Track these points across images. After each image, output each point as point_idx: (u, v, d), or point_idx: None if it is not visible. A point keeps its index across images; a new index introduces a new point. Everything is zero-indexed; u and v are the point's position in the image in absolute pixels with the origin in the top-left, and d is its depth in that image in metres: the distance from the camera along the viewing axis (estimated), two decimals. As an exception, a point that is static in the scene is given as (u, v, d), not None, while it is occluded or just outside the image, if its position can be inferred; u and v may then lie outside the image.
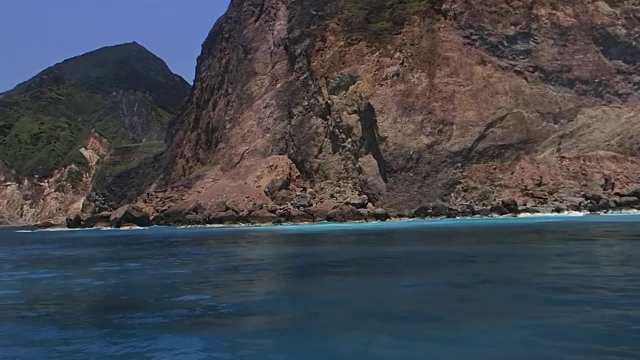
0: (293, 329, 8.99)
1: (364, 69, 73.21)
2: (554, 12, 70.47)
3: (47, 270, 19.23)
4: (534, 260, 18.08)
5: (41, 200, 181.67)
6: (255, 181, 78.21)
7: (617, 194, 61.25)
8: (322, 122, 76.16)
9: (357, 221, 61.21)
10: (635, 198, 59.14)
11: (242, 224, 65.47)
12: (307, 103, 78.21)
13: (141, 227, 70.29)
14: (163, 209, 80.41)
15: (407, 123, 68.33)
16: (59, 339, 8.52)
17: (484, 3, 72.33)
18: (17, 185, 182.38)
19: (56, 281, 15.78)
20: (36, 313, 10.80)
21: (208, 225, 66.94)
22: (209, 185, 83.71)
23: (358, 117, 72.29)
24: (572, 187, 63.65)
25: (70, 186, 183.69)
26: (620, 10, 69.61)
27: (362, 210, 65.07)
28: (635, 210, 57.14)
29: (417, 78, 70.45)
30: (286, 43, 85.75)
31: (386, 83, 71.05)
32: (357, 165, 71.92)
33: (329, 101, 74.83)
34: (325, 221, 63.18)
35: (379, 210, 64.48)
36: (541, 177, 65.65)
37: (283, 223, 64.19)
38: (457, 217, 60.90)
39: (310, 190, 74.16)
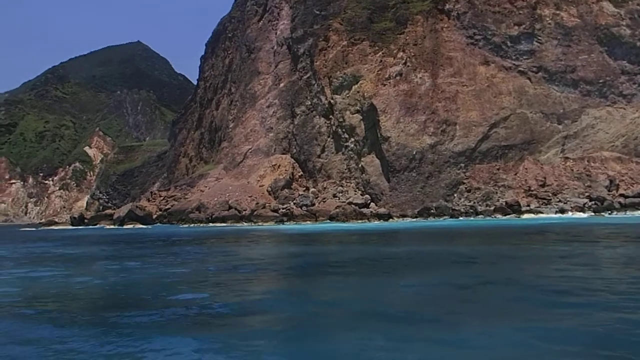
0: (289, 329, 8.92)
1: (367, 68, 73.07)
2: (557, 12, 70.20)
3: (48, 268, 19.22)
4: (537, 261, 17.97)
5: (46, 199, 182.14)
6: (258, 180, 78.15)
7: (621, 195, 60.93)
8: (325, 122, 76.06)
9: (359, 221, 61.07)
10: (640, 199, 58.86)
11: (245, 223, 65.42)
12: (310, 103, 78.11)
13: (144, 226, 70.34)
14: (166, 207, 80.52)
15: (410, 123, 68.16)
16: (54, 338, 8.48)
17: (488, 3, 72.10)
18: (22, 183, 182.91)
19: (56, 279, 15.76)
20: (33, 311, 10.76)
21: (211, 224, 66.94)
22: (212, 184, 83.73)
23: (361, 117, 72.15)
24: (576, 188, 63.40)
25: (75, 184, 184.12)
26: (624, 11, 69.32)
27: (364, 210, 64.91)
28: (640, 212, 56.87)
29: (420, 78, 70.28)
30: (289, 42, 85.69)
31: (389, 83, 70.87)
32: (359, 165, 71.79)
33: (331, 101, 74.72)
34: (328, 221, 63.06)
35: (382, 210, 64.31)
36: (545, 178, 65.39)
37: (285, 222, 64.10)
38: (460, 218, 60.68)
39: (312, 189, 74.07)
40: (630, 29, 68.48)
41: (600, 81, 68.17)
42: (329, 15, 79.33)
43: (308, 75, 79.01)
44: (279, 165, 78.71)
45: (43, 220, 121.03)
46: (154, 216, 76.77)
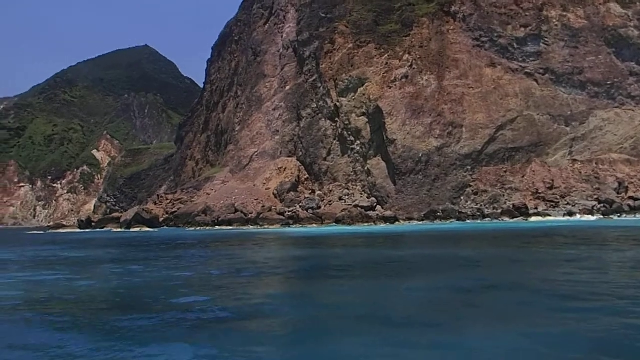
0: (291, 333, 8.82)
1: (372, 71, 73.00)
2: (564, 13, 69.91)
3: (52, 271, 19.21)
4: (543, 265, 17.77)
5: (54, 202, 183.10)
6: (264, 183, 78.17)
7: (631, 197, 60.42)
8: (331, 125, 76.03)
9: (365, 224, 60.87)
10: (650, 202, 58.37)
11: (251, 226, 65.42)
12: (315, 105, 78.11)
13: (151, 229, 70.42)
14: (173, 210, 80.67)
15: (416, 125, 68.00)
16: (53, 342, 8.42)
17: (494, 5, 71.90)
18: (31, 186, 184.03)
19: (59, 282, 15.72)
20: (34, 314, 10.71)
21: (217, 227, 66.96)
22: (218, 187, 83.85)
23: (367, 120, 72.06)
24: (584, 191, 62.99)
25: (82, 188, 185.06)
26: (632, 12, 68.94)
27: (371, 213, 64.71)
28: (649, 215, 56.37)
29: (426, 80, 70.13)
30: (295, 45, 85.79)
31: (395, 85, 70.78)
32: (366, 168, 71.67)
33: (337, 103, 74.68)
34: (334, 224, 62.89)
35: (388, 213, 64.11)
36: (553, 180, 65.01)
37: (291, 225, 63.99)
38: (467, 221, 60.37)
39: (318, 192, 73.99)
40: (638, 30, 68.15)
41: (608, 83, 67.78)
42: (335, 18, 79.37)
43: (314, 78, 79.04)
44: (285, 168, 78.73)
45: (51, 223, 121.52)
46: (161, 219, 76.91)
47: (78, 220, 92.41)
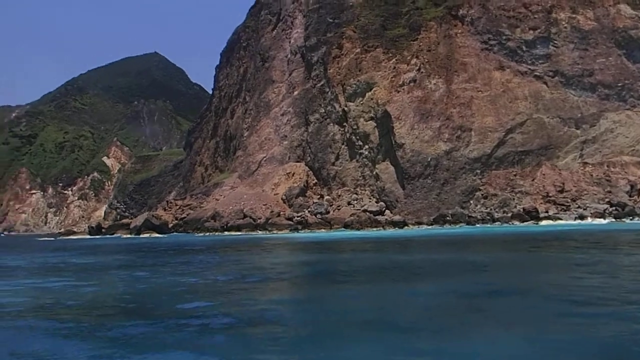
0: (294, 340, 8.69)
1: (380, 75, 72.89)
2: (574, 15, 69.49)
3: (59, 278, 19.22)
4: (552, 269, 17.55)
5: (65, 208, 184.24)
6: (273, 189, 78.17)
7: (642, 200, 59.84)
8: (339, 129, 75.94)
9: (374, 229, 60.68)
10: (662, 205, 57.75)
11: (260, 232, 65.38)
12: (324, 110, 78.08)
13: (160, 235, 70.57)
14: (182, 216, 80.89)
15: (425, 129, 67.76)
16: (55, 349, 8.37)
17: (502, 8, 71.61)
18: (42, 193, 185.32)
19: (65, 289, 15.70)
20: (37, 322, 10.66)
21: (226, 233, 66.98)
22: (227, 192, 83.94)
23: (375, 124, 71.92)
24: (595, 194, 62.41)
25: (93, 194, 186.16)
26: (642, 13, 68.41)
27: (379, 217, 64.54)
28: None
29: (435, 84, 69.91)
30: (303, 51, 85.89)
31: (403, 89, 70.62)
32: (374, 173, 71.48)
33: (345, 108, 74.61)
34: (343, 229, 62.76)
35: (397, 217, 63.90)
36: (563, 183, 64.49)
37: (300, 231, 63.94)
38: (477, 225, 60.01)
39: (327, 197, 73.87)
40: (648, 31, 67.55)
41: (619, 84, 67.23)
42: (342, 23, 79.41)
43: (322, 83, 79.05)
44: (294, 173, 78.70)
45: (62, 230, 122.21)
46: (170, 225, 77.09)
47: (88, 226, 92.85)
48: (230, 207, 74.84)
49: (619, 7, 69.15)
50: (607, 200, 60.62)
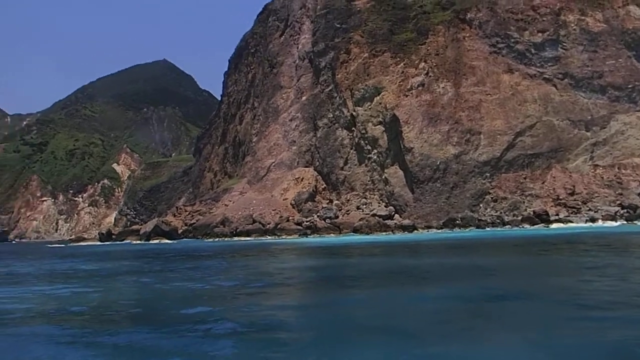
0: (296, 346, 8.60)
1: (388, 80, 72.80)
2: (582, 17, 69.09)
3: (66, 284, 19.24)
4: (562, 273, 17.34)
5: (75, 215, 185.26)
6: (282, 194, 78.20)
7: (655, 202, 59.18)
8: (348, 134, 75.91)
9: (383, 233, 60.47)
10: (674, 207, 57.12)
11: (269, 237, 65.37)
12: (332, 115, 78.09)
13: (170, 241, 70.62)
14: (191, 222, 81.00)
15: (434, 133, 67.53)
16: (53, 356, 8.37)
17: (510, 11, 71.35)
18: (53, 200, 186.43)
19: (70, 296, 15.72)
20: (39, 328, 10.66)
21: (235, 238, 66.99)
22: (236, 198, 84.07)
23: (383, 128, 71.80)
24: (607, 196, 61.85)
25: (103, 201, 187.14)
26: (652, 14, 67.91)
27: (389, 222, 64.30)
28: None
29: (443, 88, 69.71)
30: (311, 56, 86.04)
31: (411, 93, 70.47)
32: (383, 177, 71.31)
33: (354, 113, 74.58)
34: (352, 233, 62.59)
35: (406, 221, 63.64)
36: (574, 186, 63.98)
37: (309, 235, 63.83)
38: (487, 228, 59.62)
39: (336, 202, 73.76)
40: (658, 32, 67.03)
41: (629, 86, 66.70)
42: (350, 28, 79.50)
43: (330, 88, 79.10)
44: (302, 178, 78.71)
45: (73, 236, 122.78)
46: (180, 231, 77.20)
47: (98, 233, 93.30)
48: (240, 213, 74.92)
49: (628, 8, 68.71)
50: (618, 202, 60.06)
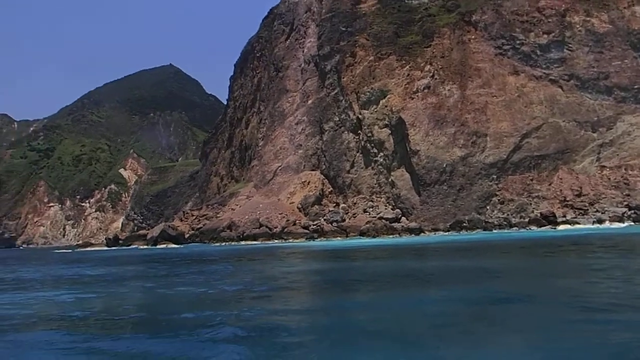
0: (298, 350, 8.57)
1: (394, 82, 72.78)
2: (588, 19, 68.85)
3: (70, 290, 19.33)
4: (568, 275, 17.25)
5: (82, 220, 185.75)
6: (288, 197, 78.21)
7: (662, 203, 58.77)
8: (354, 137, 75.89)
9: (390, 236, 60.39)
10: (682, 207, 56.73)
11: (276, 241, 65.39)
12: (338, 118, 78.10)
13: (177, 245, 70.78)
14: (198, 226, 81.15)
15: (440, 136, 67.41)
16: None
17: (516, 13, 71.20)
18: (60, 206, 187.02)
19: (73, 301, 15.77)
20: (39, 334, 10.64)
21: (242, 243, 67.05)
22: (243, 202, 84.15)
23: (389, 131, 71.74)
24: (614, 197, 61.50)
25: (110, 206, 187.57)
26: (658, 15, 67.58)
27: (395, 224, 64.25)
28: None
29: (449, 90, 69.59)
30: (316, 60, 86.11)
31: (417, 96, 70.40)
32: (389, 180, 71.21)
33: (360, 116, 74.56)
34: (359, 236, 62.54)
35: (413, 224, 63.54)
36: (581, 187, 63.65)
37: (316, 239, 63.83)
38: (494, 230, 59.41)
39: (343, 205, 73.71)
40: (664, 32, 66.68)
41: (636, 87, 66.36)
42: (355, 32, 79.56)
43: (336, 91, 79.13)
44: (309, 182, 78.69)
45: (80, 242, 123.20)
46: (187, 235, 77.38)
47: (105, 238, 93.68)
48: (246, 217, 74.98)
49: (634, 9, 68.41)
50: (625, 203, 59.71)
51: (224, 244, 67.98)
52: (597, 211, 59.79)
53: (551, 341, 8.18)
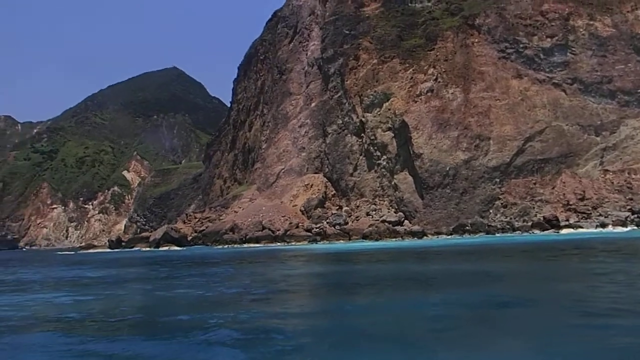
0: (295, 353, 8.50)
1: (397, 85, 72.73)
2: (591, 22, 68.73)
3: (69, 292, 19.31)
4: (570, 279, 17.16)
5: (85, 222, 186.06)
6: (291, 200, 78.16)
7: (665, 207, 58.53)
8: (357, 140, 75.82)
9: (393, 239, 60.28)
10: (685, 212, 56.48)
11: (279, 243, 65.29)
12: (341, 121, 78.07)
13: (179, 248, 70.76)
14: (201, 229, 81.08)
15: (443, 139, 67.31)
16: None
17: (519, 16, 71.12)
18: (63, 208, 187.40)
19: (71, 303, 15.76)
20: (32, 337, 10.62)
21: (245, 245, 66.96)
22: (246, 205, 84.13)
23: (393, 134, 71.66)
24: (617, 202, 61.27)
25: (113, 208, 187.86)
26: (662, 19, 67.44)
27: (398, 228, 64.11)
28: (685, 225, 54.50)
29: (452, 93, 69.52)
30: (320, 63, 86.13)
31: (420, 99, 70.33)
32: (392, 183, 71.10)
33: (363, 119, 74.52)
34: (361, 239, 62.43)
35: (416, 227, 63.43)
36: (584, 191, 63.45)
37: (319, 242, 63.74)
38: (497, 234, 59.24)
39: (346, 208, 73.62)
40: (668, 36, 66.51)
41: (639, 91, 66.16)
42: (359, 35, 79.56)
43: (339, 94, 79.12)
44: (312, 185, 78.64)
45: (83, 244, 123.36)
46: (189, 238, 77.32)
47: (108, 240, 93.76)
48: (249, 219, 74.96)
49: (637, 13, 68.26)
50: (628, 207, 59.46)
51: (226, 246, 67.92)
52: (600, 215, 59.57)
53: (552, 346, 8.11)
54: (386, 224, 64.99)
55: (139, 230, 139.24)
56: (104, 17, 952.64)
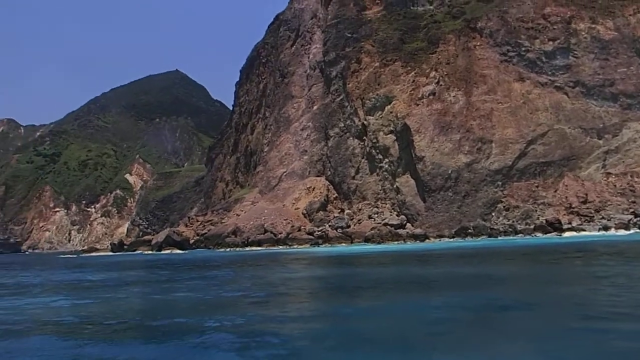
0: (294, 357, 8.44)
1: (399, 89, 72.76)
2: (593, 26, 68.68)
3: (68, 295, 19.30)
4: (572, 282, 17.06)
5: (88, 226, 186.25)
6: (293, 203, 78.12)
7: (668, 210, 58.37)
8: (359, 143, 75.83)
9: (395, 242, 60.21)
10: (688, 215, 56.30)
11: (281, 247, 65.26)
12: (343, 124, 78.10)
13: (181, 251, 70.76)
14: (203, 232, 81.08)
15: (445, 142, 67.26)
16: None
17: (521, 20, 71.11)
18: (66, 211, 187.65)
19: (69, 307, 15.71)
20: (29, 341, 10.57)
21: (247, 248, 66.93)
22: (248, 208, 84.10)
23: (395, 137, 71.66)
24: (619, 204, 61.13)
25: (116, 211, 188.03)
26: (664, 22, 67.35)
27: (400, 231, 64.03)
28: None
29: (454, 97, 69.49)
30: (322, 66, 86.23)
31: (422, 102, 70.34)
32: (394, 186, 71.06)
33: (365, 122, 74.53)
34: (363, 243, 62.36)
35: (418, 230, 63.33)
36: (586, 194, 63.30)
37: (321, 245, 63.67)
38: (499, 237, 59.12)
39: (348, 211, 73.58)
40: (670, 39, 66.41)
41: (642, 94, 66.06)
42: (361, 38, 79.67)
43: (341, 97, 79.18)
44: (314, 188, 78.62)
45: (85, 247, 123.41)
46: (191, 241, 77.30)
47: (110, 243, 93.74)
48: (251, 222, 74.92)
49: (639, 16, 68.25)
50: (631, 210, 59.32)
51: (228, 249, 67.89)
52: (603, 218, 59.44)
53: (553, 349, 8.04)
54: (388, 227, 64.91)
55: (141, 233, 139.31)
56: (107, 21, 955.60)
